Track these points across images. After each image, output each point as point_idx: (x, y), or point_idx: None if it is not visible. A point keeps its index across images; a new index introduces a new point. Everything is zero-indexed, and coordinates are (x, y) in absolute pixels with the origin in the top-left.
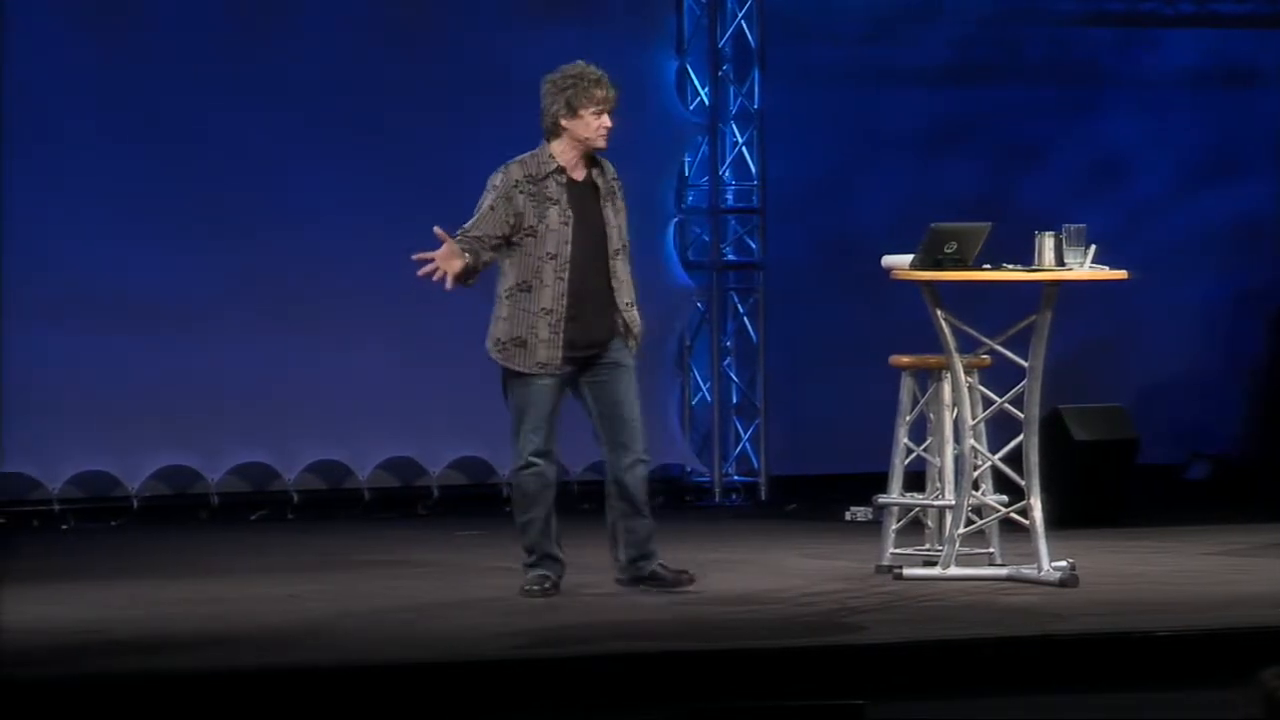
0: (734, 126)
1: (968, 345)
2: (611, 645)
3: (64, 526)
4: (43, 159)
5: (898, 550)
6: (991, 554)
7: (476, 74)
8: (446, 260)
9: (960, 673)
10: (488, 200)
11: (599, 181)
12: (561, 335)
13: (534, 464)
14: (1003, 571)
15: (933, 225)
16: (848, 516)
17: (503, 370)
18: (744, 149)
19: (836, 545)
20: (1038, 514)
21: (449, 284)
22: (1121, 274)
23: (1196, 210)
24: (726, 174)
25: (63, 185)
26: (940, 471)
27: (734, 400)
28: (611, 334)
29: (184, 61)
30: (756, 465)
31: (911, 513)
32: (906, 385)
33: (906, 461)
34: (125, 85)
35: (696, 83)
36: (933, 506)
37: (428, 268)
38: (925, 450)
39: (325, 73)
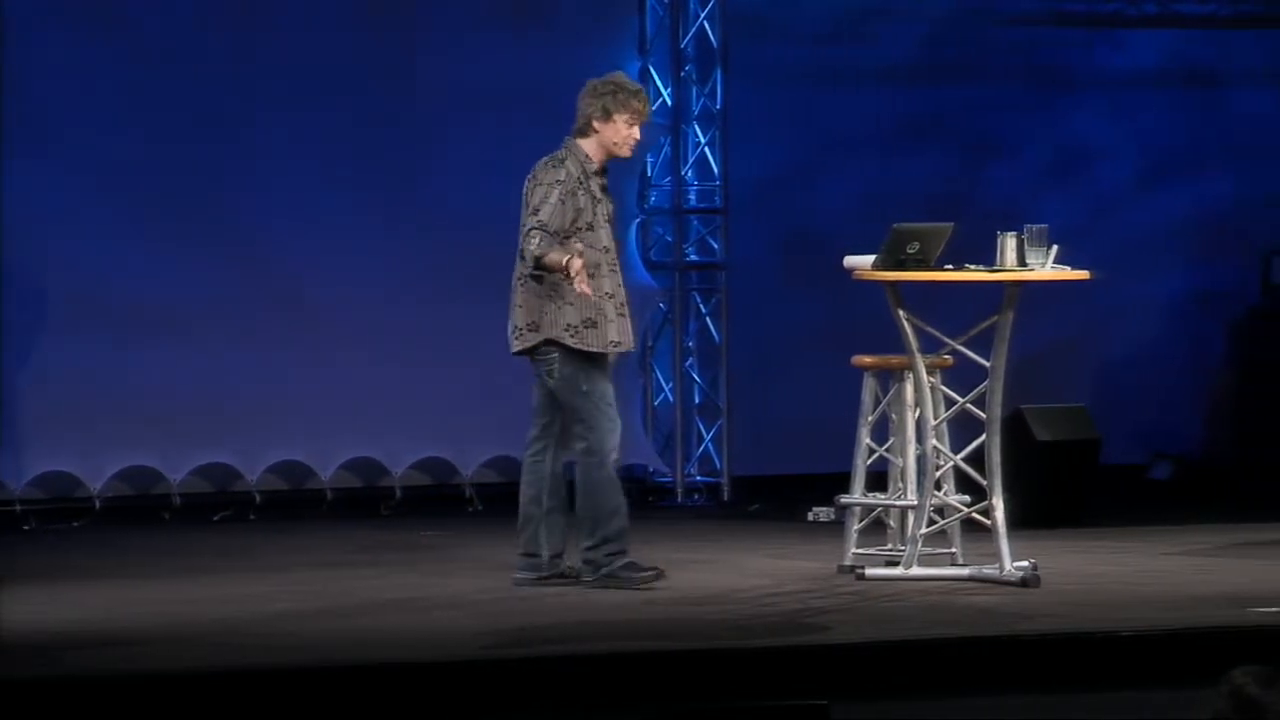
0: (696, 127)
1: (930, 345)
2: (578, 646)
3: (25, 527)
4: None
5: (860, 550)
6: (954, 554)
7: (442, 78)
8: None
9: (923, 673)
10: (554, 195)
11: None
12: (627, 317)
13: (614, 453)
14: (965, 571)
15: (895, 226)
16: (810, 517)
17: (571, 362)
18: (706, 149)
19: (799, 545)
20: (1000, 514)
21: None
22: (1083, 274)
23: (1158, 210)
24: (689, 174)
25: (48, 184)
26: (902, 471)
27: (696, 400)
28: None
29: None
30: (719, 465)
31: (874, 513)
32: (869, 386)
33: (869, 462)
34: (116, 85)
35: (659, 83)
36: (895, 506)
37: (582, 282)
38: (887, 450)
39: (295, 80)
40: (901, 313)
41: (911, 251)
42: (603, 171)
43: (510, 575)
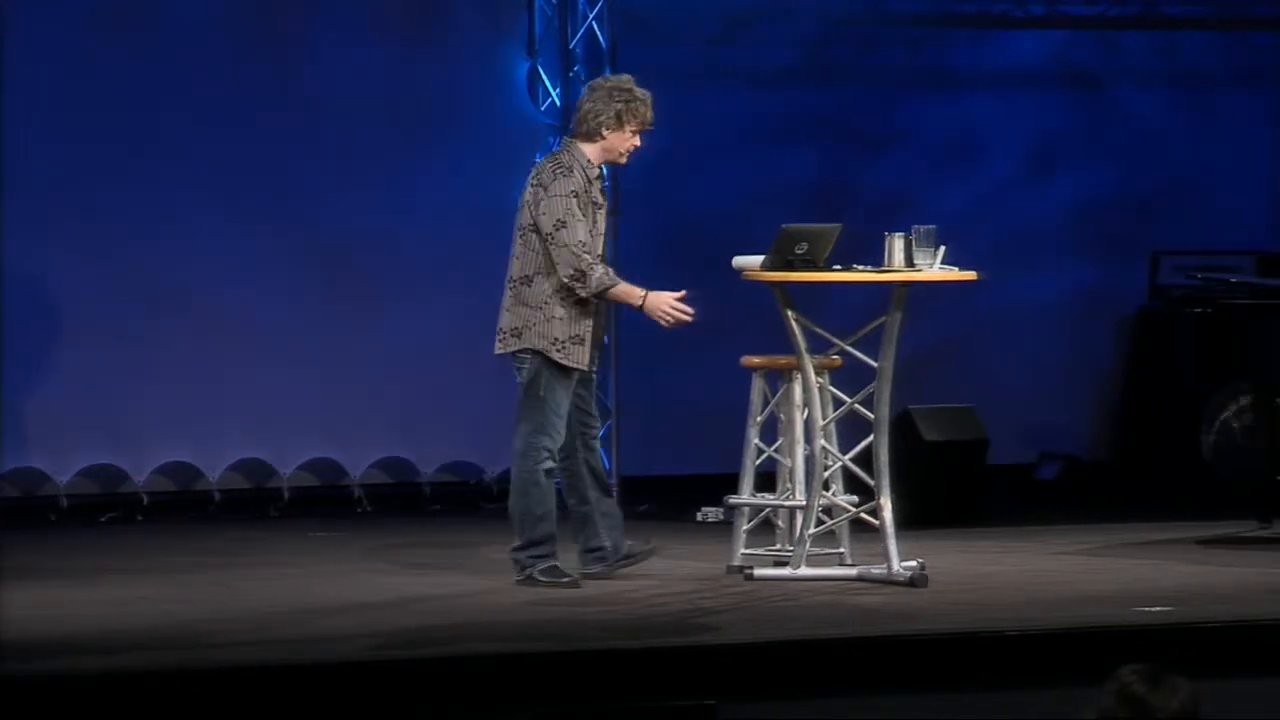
0: None
1: (818, 346)
2: (465, 647)
3: None
4: None
5: (749, 551)
6: (842, 554)
7: (326, 84)
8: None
9: (811, 673)
10: (574, 207)
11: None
12: (590, 342)
13: (553, 460)
14: (853, 571)
15: (783, 226)
16: (699, 517)
17: (539, 366)
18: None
19: (688, 546)
20: (887, 514)
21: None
22: (971, 275)
23: (1046, 211)
24: None
25: None
26: (791, 472)
27: None
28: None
29: (53, 65)
30: (608, 466)
31: (762, 513)
32: (757, 386)
33: (758, 462)
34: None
35: (548, 83)
36: (783, 507)
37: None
38: (776, 451)
39: (187, 86)
40: (790, 313)
41: (800, 252)
42: (600, 174)
43: (568, 574)
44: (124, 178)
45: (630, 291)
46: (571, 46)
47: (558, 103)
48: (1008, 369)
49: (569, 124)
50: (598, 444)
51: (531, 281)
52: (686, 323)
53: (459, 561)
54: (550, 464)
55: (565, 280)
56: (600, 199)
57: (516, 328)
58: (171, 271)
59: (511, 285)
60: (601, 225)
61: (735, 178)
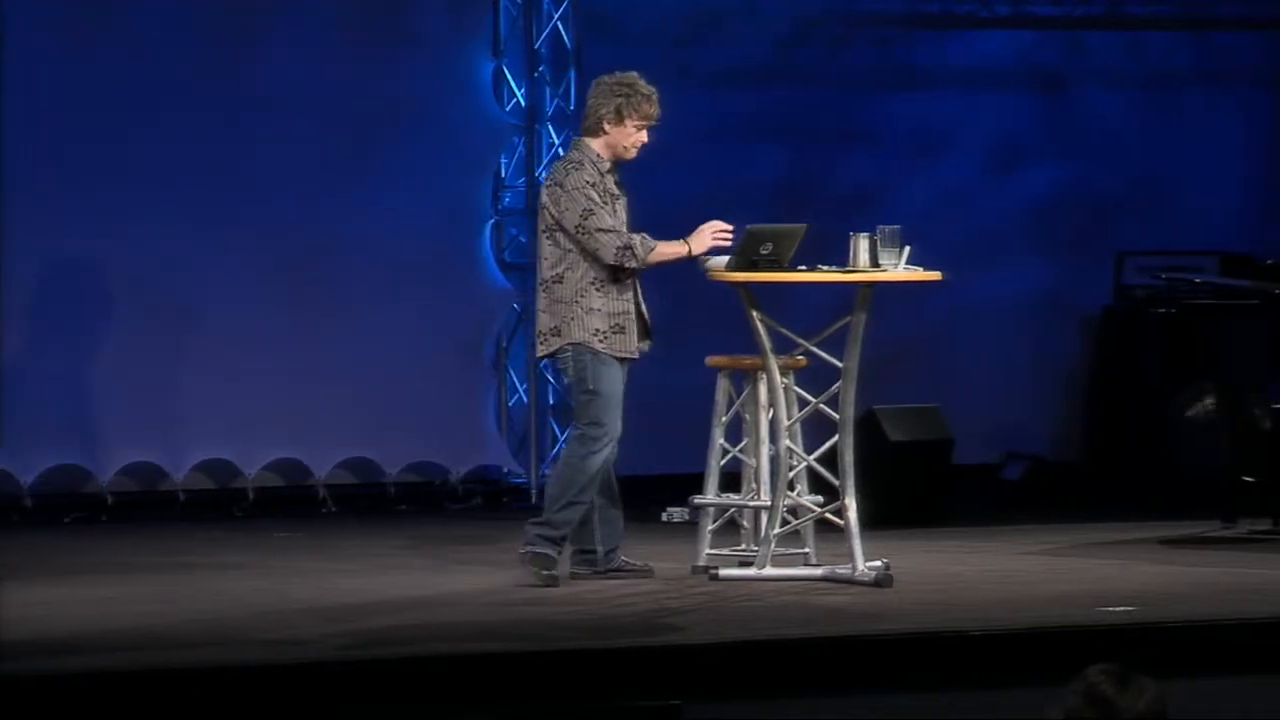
0: (550, 128)
1: (783, 346)
2: (430, 647)
3: None
4: None
5: (714, 551)
6: (807, 554)
7: (290, 84)
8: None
9: (776, 673)
10: (594, 195)
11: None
12: (639, 324)
13: (612, 451)
14: (818, 571)
15: (748, 227)
16: (664, 517)
17: (584, 359)
18: (560, 150)
19: (653, 546)
20: (852, 514)
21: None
22: (935, 275)
23: (1011, 211)
24: (543, 175)
25: None
26: (756, 472)
27: (550, 401)
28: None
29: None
30: None
31: (727, 513)
32: (722, 386)
33: (723, 462)
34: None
35: (513, 84)
36: (748, 507)
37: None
38: (741, 451)
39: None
40: (755, 314)
41: (765, 252)
42: (615, 168)
43: (565, 572)
44: (89, 178)
45: (674, 247)
46: (536, 47)
47: (522, 103)
48: (973, 369)
49: (533, 124)
50: (617, 451)
51: (563, 279)
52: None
53: (424, 562)
54: (607, 451)
55: (615, 261)
56: (617, 190)
57: (555, 327)
58: (136, 272)
59: (544, 286)
60: (623, 215)
61: (701, 178)
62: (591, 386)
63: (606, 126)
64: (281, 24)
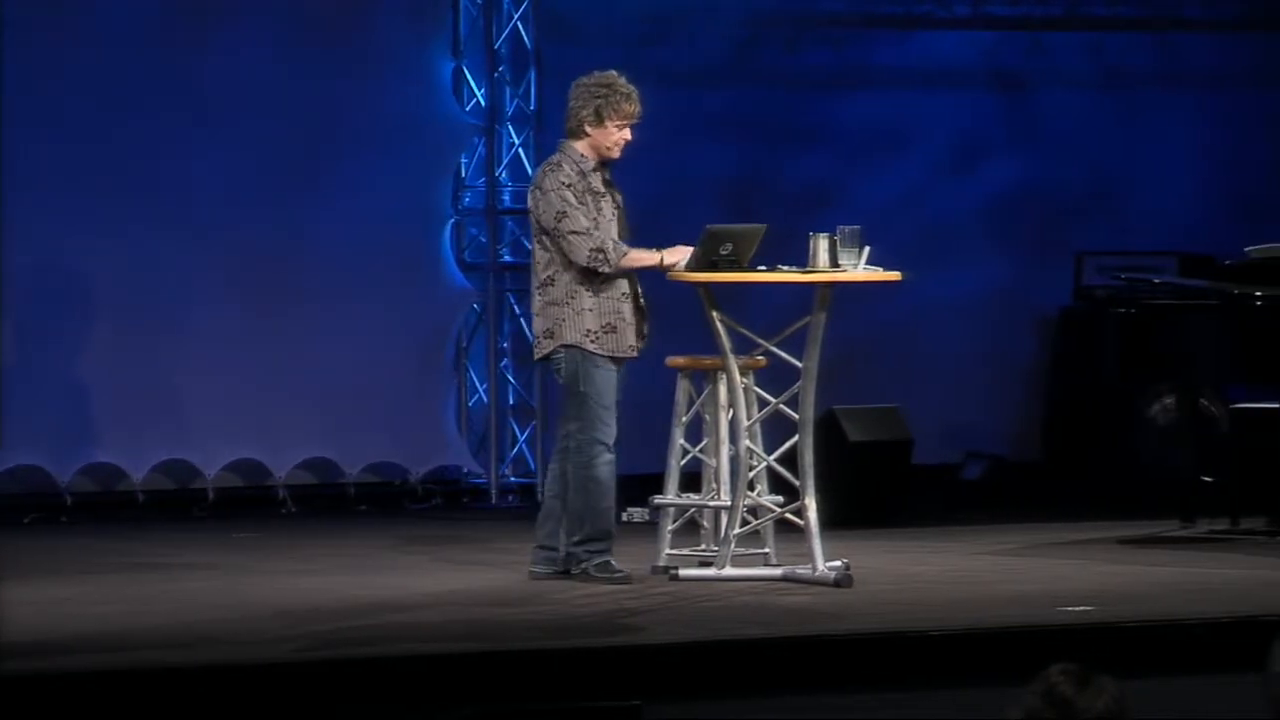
0: (510, 128)
1: (743, 346)
2: (390, 647)
3: None
4: None
5: (674, 551)
6: (767, 554)
7: (253, 81)
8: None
9: (737, 673)
10: (570, 197)
11: (612, 182)
12: (636, 321)
13: (609, 453)
14: (778, 572)
15: (708, 227)
16: (624, 517)
17: (575, 360)
18: (520, 150)
19: (614, 546)
20: (812, 514)
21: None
22: (895, 275)
23: (970, 211)
24: (503, 175)
25: None
26: (716, 472)
27: (510, 401)
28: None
29: None
30: (533, 467)
31: (687, 513)
32: (682, 386)
33: (683, 462)
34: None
35: (473, 84)
36: (709, 507)
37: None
38: (701, 451)
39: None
40: (715, 314)
41: (724, 253)
42: (603, 166)
43: (526, 569)
44: (44, 181)
45: (648, 256)
46: (496, 47)
47: (483, 103)
48: (932, 369)
49: (493, 124)
50: (615, 454)
51: (554, 281)
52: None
53: (384, 562)
54: (607, 456)
55: (587, 264)
56: (602, 188)
57: (549, 329)
58: (94, 274)
59: (539, 289)
60: (609, 213)
61: (661, 177)
62: (581, 388)
63: (587, 128)
64: (242, 24)
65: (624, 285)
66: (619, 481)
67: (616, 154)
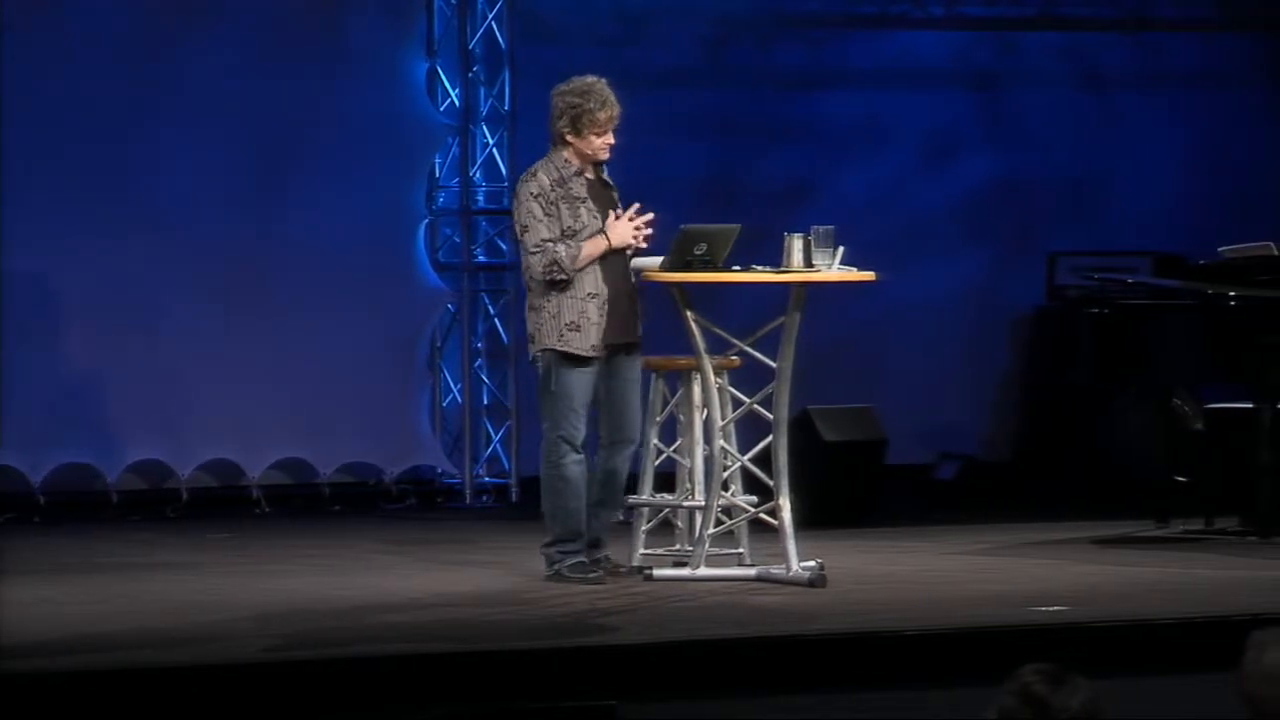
0: (485, 128)
1: (718, 346)
2: (364, 648)
3: None
4: None
5: (648, 551)
6: (741, 554)
7: (228, 81)
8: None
9: (711, 672)
10: (536, 209)
11: (608, 180)
12: (605, 320)
13: (577, 453)
14: (752, 572)
15: (683, 227)
16: None
17: (549, 360)
18: (495, 150)
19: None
20: (786, 514)
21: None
22: (869, 275)
23: (943, 211)
24: (477, 175)
25: None
26: (690, 472)
27: (485, 401)
28: (636, 329)
29: None
30: (507, 466)
31: (662, 513)
32: (657, 386)
33: (657, 462)
34: None
35: (447, 84)
36: (683, 507)
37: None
38: (675, 451)
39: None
40: (689, 314)
41: (699, 253)
42: (595, 166)
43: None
44: (17, 183)
45: (595, 243)
46: (471, 47)
47: (457, 103)
48: (906, 369)
49: (467, 124)
50: (630, 450)
51: (531, 286)
52: (650, 234)
53: (358, 562)
54: (574, 456)
55: (543, 279)
56: (584, 193)
57: (531, 333)
58: (68, 276)
59: (527, 293)
60: (586, 218)
61: (635, 176)
62: (553, 387)
63: (569, 138)
64: (216, 24)
65: (589, 285)
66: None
67: (604, 156)
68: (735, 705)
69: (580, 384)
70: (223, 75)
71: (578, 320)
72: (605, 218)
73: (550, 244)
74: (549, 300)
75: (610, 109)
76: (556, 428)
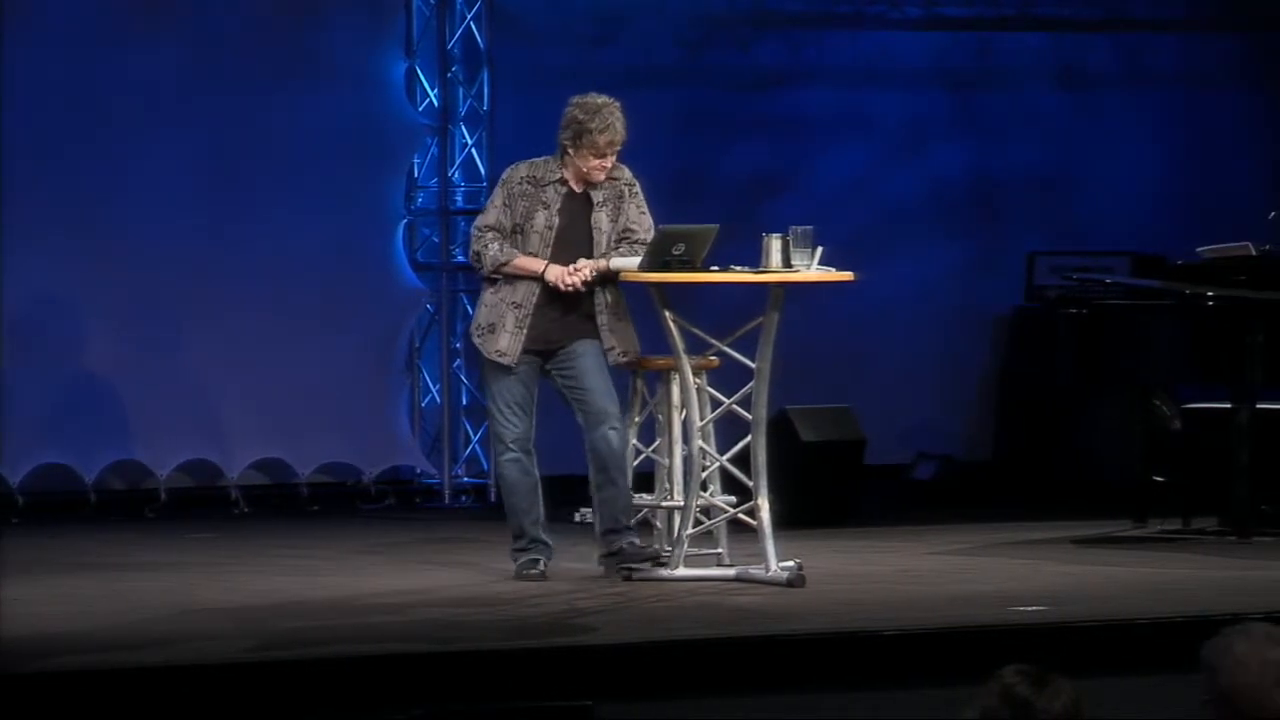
0: (463, 128)
1: (696, 346)
2: (340, 648)
3: None
4: None
5: None
6: (720, 554)
7: (205, 76)
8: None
9: (689, 673)
10: (498, 196)
11: (595, 194)
12: (525, 330)
13: (511, 450)
14: (731, 572)
15: (660, 227)
16: (577, 518)
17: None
18: (473, 150)
19: (566, 546)
20: (765, 514)
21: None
22: (848, 275)
23: (923, 212)
24: (456, 175)
25: None
26: (669, 472)
27: (464, 402)
28: (577, 336)
29: None
30: (486, 467)
31: (640, 514)
32: (635, 387)
33: (636, 463)
34: None
35: (425, 84)
36: (661, 507)
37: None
38: (654, 451)
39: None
40: (667, 314)
41: (677, 253)
42: (579, 183)
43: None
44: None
45: (533, 263)
46: (449, 47)
47: (435, 103)
48: (884, 369)
49: (446, 124)
50: (604, 427)
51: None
52: (580, 285)
53: (336, 563)
54: (510, 455)
55: (470, 260)
56: (556, 200)
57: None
58: (46, 277)
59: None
60: (540, 223)
61: None
62: (488, 386)
63: (570, 151)
64: (192, 21)
65: (519, 294)
66: (572, 482)
67: (597, 178)
68: (713, 705)
69: (502, 383)
70: (202, 74)
71: (495, 323)
72: (573, 229)
73: (489, 233)
74: (485, 294)
75: (611, 134)
76: (492, 428)
